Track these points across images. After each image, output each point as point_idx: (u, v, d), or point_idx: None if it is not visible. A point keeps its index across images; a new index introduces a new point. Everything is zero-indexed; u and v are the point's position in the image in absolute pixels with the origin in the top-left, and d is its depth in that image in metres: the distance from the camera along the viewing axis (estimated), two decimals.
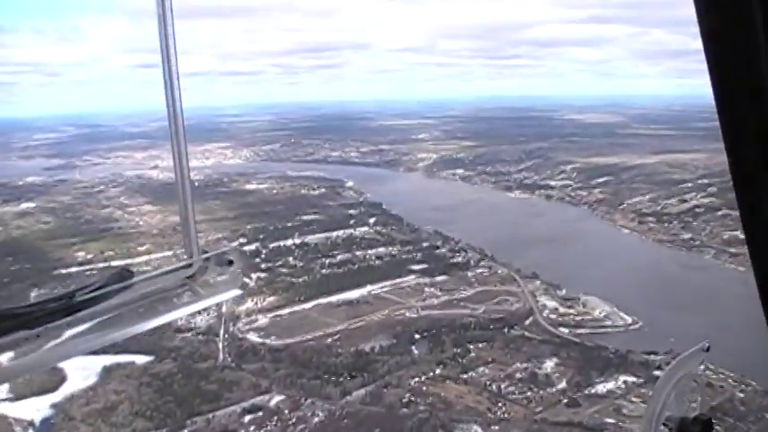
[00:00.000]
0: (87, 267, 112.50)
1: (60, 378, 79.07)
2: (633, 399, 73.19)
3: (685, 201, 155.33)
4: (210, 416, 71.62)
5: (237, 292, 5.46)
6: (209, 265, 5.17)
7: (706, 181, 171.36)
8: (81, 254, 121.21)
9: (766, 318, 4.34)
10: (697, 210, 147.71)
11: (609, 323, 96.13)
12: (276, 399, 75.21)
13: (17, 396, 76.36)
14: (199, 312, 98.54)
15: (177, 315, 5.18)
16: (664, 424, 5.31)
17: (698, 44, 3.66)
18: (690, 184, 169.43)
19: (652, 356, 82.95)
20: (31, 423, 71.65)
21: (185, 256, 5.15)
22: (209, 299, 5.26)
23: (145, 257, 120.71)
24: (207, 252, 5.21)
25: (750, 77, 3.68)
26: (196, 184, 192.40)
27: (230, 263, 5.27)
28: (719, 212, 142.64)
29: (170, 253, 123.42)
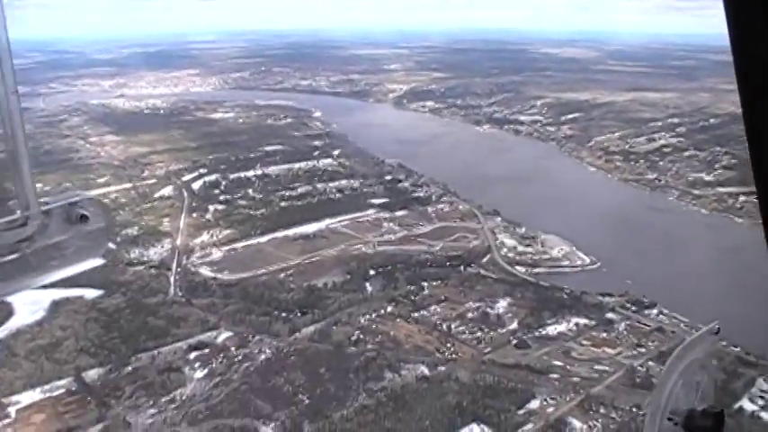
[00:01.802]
0: (42, 200, 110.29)
1: (7, 313, 77.27)
2: (583, 342, 72.74)
3: (653, 140, 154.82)
4: (156, 352, 70.21)
5: (97, 261, 4.18)
6: (51, 223, 4.01)
7: (676, 120, 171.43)
8: (38, 186, 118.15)
9: None
10: (664, 149, 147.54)
11: (566, 263, 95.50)
12: (224, 335, 73.97)
13: None
14: (152, 245, 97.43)
15: (2, 295, 3.95)
16: (669, 418, 4.76)
17: None
18: (659, 123, 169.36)
19: (606, 298, 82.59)
20: None
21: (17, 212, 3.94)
22: (53, 271, 4.06)
23: (103, 190, 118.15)
24: (48, 204, 4.03)
25: None
26: (161, 112, 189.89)
27: (83, 219, 4.02)
28: (686, 153, 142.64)
29: (129, 185, 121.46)
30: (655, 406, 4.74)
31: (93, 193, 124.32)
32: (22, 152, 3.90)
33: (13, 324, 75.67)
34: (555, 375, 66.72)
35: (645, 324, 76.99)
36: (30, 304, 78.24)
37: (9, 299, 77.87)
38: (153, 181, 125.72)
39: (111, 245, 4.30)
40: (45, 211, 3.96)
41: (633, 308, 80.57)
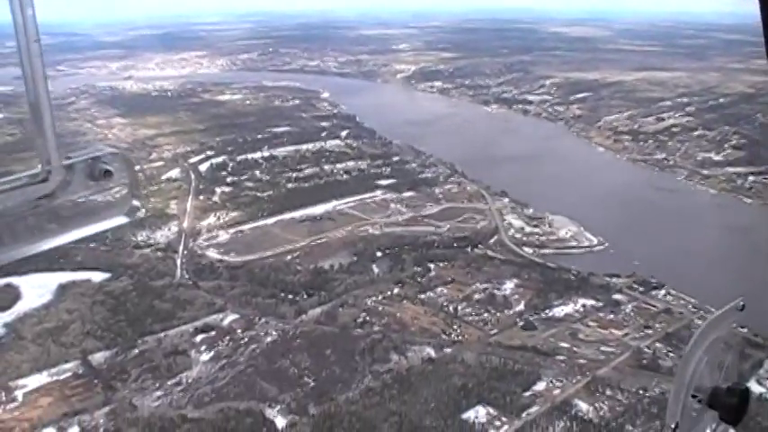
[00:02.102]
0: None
1: (14, 296, 77.38)
2: (590, 323, 72.51)
3: (662, 119, 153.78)
4: (162, 335, 70.21)
5: (122, 220, 4.15)
6: (73, 179, 3.91)
7: (685, 100, 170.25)
8: None
9: None
10: (673, 129, 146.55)
11: (574, 244, 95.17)
12: (230, 318, 73.97)
13: None
14: (159, 227, 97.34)
15: (23, 253, 3.81)
16: (693, 395, 4.74)
17: None
18: (669, 103, 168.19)
19: (614, 279, 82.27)
20: None
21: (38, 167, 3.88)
22: (75, 229, 3.94)
23: None
24: (70, 159, 3.95)
25: None
26: (169, 94, 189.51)
27: (107, 174, 3.98)
28: (695, 133, 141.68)
29: (136, 168, 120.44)
30: (679, 383, 4.71)
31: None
32: (44, 104, 3.78)
33: (20, 308, 75.79)
34: (561, 357, 66.54)
35: (652, 305, 76.71)
36: (37, 287, 78.54)
37: (16, 282, 78.51)
38: (160, 163, 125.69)
39: (135, 202, 4.26)
40: (67, 166, 3.88)
41: (641, 289, 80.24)
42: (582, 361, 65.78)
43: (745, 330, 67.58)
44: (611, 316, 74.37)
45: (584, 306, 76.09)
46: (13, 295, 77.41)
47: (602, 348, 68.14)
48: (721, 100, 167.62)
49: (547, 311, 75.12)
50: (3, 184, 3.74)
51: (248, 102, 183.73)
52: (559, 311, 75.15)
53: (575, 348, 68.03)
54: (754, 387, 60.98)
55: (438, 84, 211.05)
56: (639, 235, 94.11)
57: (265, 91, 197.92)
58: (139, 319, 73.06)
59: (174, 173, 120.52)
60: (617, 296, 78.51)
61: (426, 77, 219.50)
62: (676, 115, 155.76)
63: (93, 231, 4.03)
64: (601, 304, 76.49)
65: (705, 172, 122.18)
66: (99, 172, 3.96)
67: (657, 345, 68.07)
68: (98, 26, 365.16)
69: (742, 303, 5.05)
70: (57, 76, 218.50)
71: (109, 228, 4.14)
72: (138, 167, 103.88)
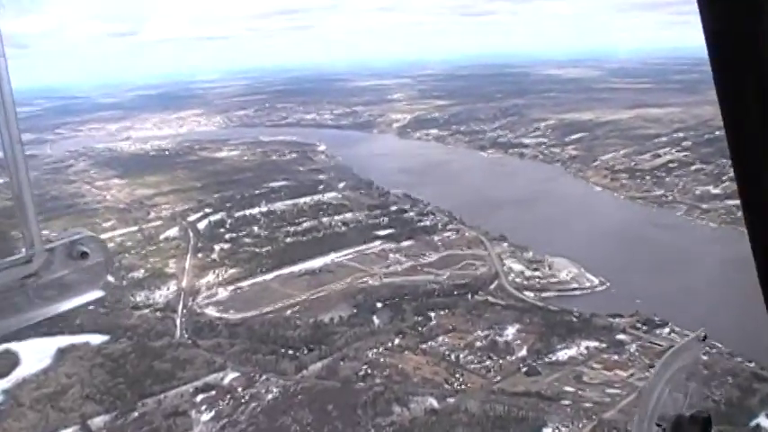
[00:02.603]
0: (47, 246, 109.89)
1: (13, 362, 76.92)
2: (594, 365, 71.74)
3: (659, 156, 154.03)
4: (162, 396, 69.71)
5: (98, 294, 4.39)
6: (54, 260, 4.18)
7: (681, 135, 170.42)
8: (44, 232, 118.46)
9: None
10: (670, 165, 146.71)
11: (575, 285, 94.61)
12: (230, 376, 73.41)
13: None
14: (158, 287, 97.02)
15: (10, 327, 4.06)
16: (657, 423, 4.79)
17: None
18: (664, 139, 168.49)
19: (617, 319, 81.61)
20: None
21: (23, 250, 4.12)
22: (57, 304, 4.23)
23: (109, 234, 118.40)
24: (51, 242, 4.18)
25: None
26: (166, 153, 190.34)
27: (84, 255, 4.24)
28: (692, 167, 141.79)
29: (135, 228, 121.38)
30: (642, 412, 4.79)
31: (100, 237, 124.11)
32: (27, 198, 4.01)
33: (19, 374, 75.35)
34: (566, 402, 65.75)
35: (657, 344, 75.87)
36: (36, 352, 77.97)
37: (15, 348, 77.91)
38: (158, 222, 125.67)
39: (110, 278, 4.43)
40: (48, 249, 4.12)
41: (644, 328, 79.60)
42: (587, 404, 64.98)
43: (753, 365, 67.04)
44: (616, 357, 73.64)
45: (587, 348, 75.39)
46: (11, 361, 76.93)
47: (608, 390, 67.33)
48: (717, 133, 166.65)
49: (550, 355, 74.50)
50: None
51: (245, 158, 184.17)
52: (563, 355, 74.49)
53: (580, 392, 67.24)
54: (764, 422, 60.02)
55: (434, 131, 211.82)
56: (641, 273, 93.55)
57: (262, 146, 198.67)
58: (139, 381, 72.57)
59: (173, 231, 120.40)
60: (620, 336, 77.82)
61: (422, 125, 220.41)
62: (673, 151, 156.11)
63: (73, 305, 4.29)
64: (604, 345, 75.86)
65: (704, 206, 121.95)
66: (77, 253, 4.20)
67: None
68: (96, 88, 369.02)
69: (704, 334, 5.17)
70: (55, 139, 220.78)
71: (87, 301, 4.36)
72: (136, 227, 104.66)
